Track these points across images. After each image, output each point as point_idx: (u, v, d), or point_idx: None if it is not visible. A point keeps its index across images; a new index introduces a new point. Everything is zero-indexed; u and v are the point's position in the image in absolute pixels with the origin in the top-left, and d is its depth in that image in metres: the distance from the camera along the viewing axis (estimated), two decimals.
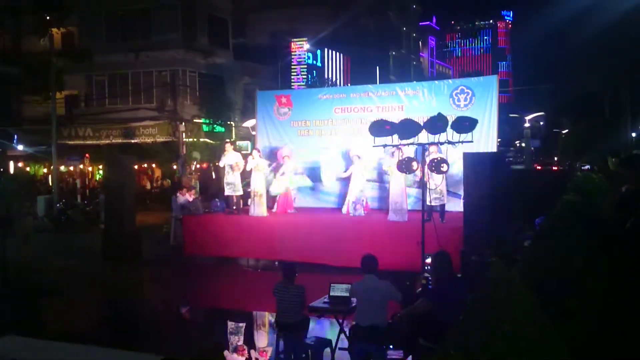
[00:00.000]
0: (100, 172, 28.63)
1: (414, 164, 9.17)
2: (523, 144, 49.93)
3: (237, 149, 14.39)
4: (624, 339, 3.25)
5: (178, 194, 15.29)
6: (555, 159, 47.06)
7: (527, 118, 44.90)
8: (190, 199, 14.99)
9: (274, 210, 13.71)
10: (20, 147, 27.31)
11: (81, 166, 27.63)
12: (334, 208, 13.95)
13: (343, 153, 13.80)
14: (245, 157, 13.87)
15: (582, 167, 22.26)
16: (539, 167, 38.62)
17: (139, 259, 13.37)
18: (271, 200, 13.85)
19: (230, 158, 13.51)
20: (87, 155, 26.23)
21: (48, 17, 24.03)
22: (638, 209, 4.14)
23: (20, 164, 28.89)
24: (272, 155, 14.30)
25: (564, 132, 48.21)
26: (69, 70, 27.94)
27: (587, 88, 38.62)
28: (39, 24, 24.30)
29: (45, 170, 29.63)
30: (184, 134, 26.76)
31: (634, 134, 35.30)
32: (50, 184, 24.90)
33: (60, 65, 25.52)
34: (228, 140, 17.16)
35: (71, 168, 28.86)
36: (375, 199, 13.72)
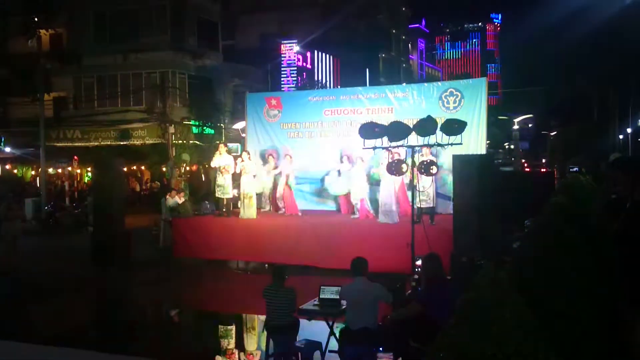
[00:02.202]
0: (89, 174, 28.45)
1: (404, 166, 9.20)
2: (512, 146, 50.21)
3: (228, 152, 14.37)
4: (612, 341, 3.28)
5: (167, 196, 15.24)
6: (544, 160, 47.35)
7: (516, 120, 45.17)
8: (180, 201, 14.95)
9: (282, 211, 13.72)
10: (7, 149, 27.11)
11: (70, 168, 27.46)
12: (333, 211, 14.01)
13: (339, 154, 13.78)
14: (235, 159, 13.88)
15: (571, 169, 22.42)
16: (527, 169, 38.83)
17: (128, 262, 13.29)
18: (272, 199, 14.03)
19: (221, 160, 13.48)
20: (75, 157, 26.05)
21: (36, 19, 23.84)
22: (625, 212, 4.18)
23: (7, 166, 28.66)
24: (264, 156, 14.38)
25: (552, 134, 48.56)
26: (57, 71, 27.75)
27: (576, 91, 38.93)
28: (26, 25, 24.10)
29: (33, 172, 29.40)
30: (173, 136, 26.66)
31: (621, 136, 35.64)
32: (39, 186, 24.71)
33: (48, 67, 25.36)
34: (222, 142, 17.15)
35: (59, 170, 28.66)
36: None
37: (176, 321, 10.34)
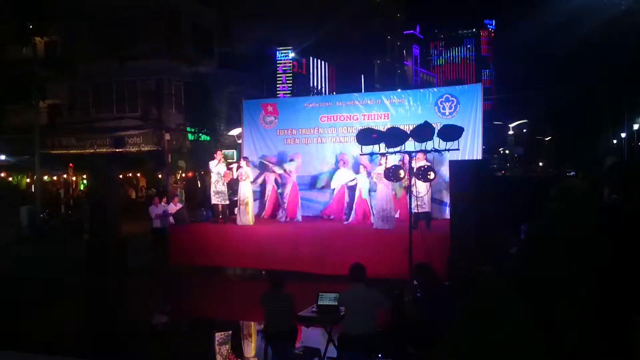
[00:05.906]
0: (85, 181, 28.37)
1: (401, 172, 9.21)
2: (507, 151, 50.37)
3: (225, 159, 14.38)
4: (611, 348, 3.27)
5: (152, 204, 14.99)
6: (540, 164, 47.49)
7: (511, 125, 45.34)
8: (175, 209, 14.83)
9: (281, 217, 13.69)
10: (2, 157, 26.99)
11: (65, 176, 27.36)
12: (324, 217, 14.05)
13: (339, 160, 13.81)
14: (230, 166, 13.88)
15: (567, 173, 22.48)
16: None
17: (124, 269, 13.24)
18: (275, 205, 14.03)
19: (221, 167, 13.50)
20: (71, 164, 25.97)
21: (31, 26, 23.76)
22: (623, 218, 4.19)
23: (2, 174, 28.53)
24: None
25: (547, 139, 48.71)
26: (52, 79, 27.66)
27: (569, 96, 39.11)
28: (21, 32, 24.03)
29: (28, 180, 29.29)
30: (168, 142, 26.64)
31: (615, 141, 35.78)
32: (34, 194, 24.59)
33: (43, 74, 25.29)
34: (219, 149, 17.15)
35: (55, 178, 28.55)
36: None
37: (173, 329, 10.28)
